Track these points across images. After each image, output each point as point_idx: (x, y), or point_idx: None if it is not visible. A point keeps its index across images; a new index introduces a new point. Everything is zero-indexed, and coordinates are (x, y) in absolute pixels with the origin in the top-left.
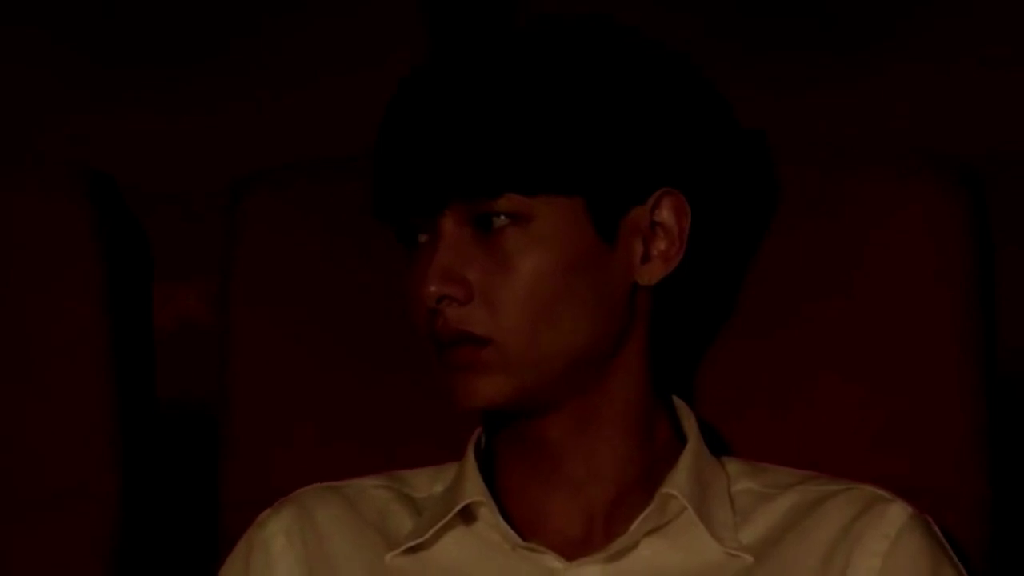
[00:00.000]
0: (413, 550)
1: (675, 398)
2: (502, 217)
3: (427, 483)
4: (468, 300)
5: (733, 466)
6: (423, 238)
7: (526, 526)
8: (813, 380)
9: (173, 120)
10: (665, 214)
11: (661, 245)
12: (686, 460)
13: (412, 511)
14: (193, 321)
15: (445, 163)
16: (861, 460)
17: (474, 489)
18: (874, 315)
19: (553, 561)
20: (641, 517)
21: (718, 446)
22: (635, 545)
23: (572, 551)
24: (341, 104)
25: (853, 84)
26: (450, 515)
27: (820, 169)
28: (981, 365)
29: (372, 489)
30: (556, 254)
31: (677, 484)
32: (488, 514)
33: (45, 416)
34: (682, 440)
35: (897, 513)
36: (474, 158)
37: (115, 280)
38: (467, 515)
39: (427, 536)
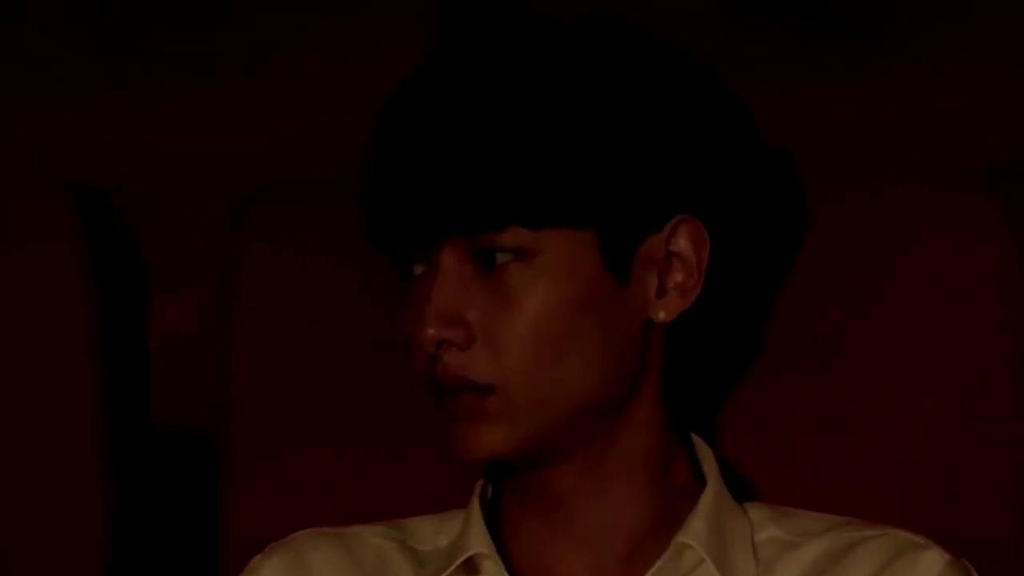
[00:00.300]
0: None
1: (695, 437)
2: (506, 252)
3: (431, 534)
4: (469, 344)
5: (757, 512)
6: (419, 270)
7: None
8: (849, 415)
9: (168, 131)
10: (682, 243)
11: (678, 277)
12: (704, 505)
13: (414, 563)
14: (185, 336)
15: (445, 194)
16: (904, 505)
17: (478, 541)
18: (915, 342)
19: None
20: (654, 568)
21: (742, 491)
22: None
23: None
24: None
25: (855, 88)
26: (452, 567)
27: (843, 185)
28: None
29: (372, 538)
30: (564, 291)
31: (694, 532)
32: (492, 568)
33: (31, 442)
34: (702, 483)
35: (933, 560)
36: (477, 189)
37: (106, 298)
38: (470, 568)
39: None
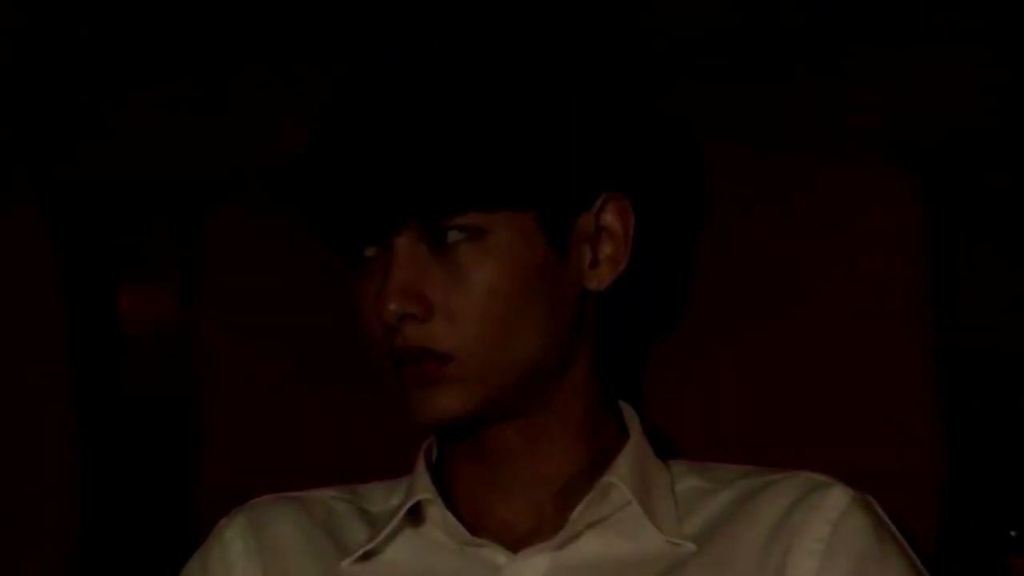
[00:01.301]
0: (366, 556)
1: (621, 402)
2: (456, 232)
3: (383, 497)
4: (428, 317)
5: (678, 467)
6: (370, 252)
7: (474, 523)
8: (769, 378)
9: (137, 127)
10: (610, 218)
11: (608, 249)
12: (627, 453)
13: (367, 523)
14: (170, 322)
15: (405, 183)
16: (818, 451)
17: (422, 489)
18: (829, 310)
19: (498, 555)
20: (583, 504)
21: (667, 451)
22: (579, 535)
23: (519, 545)
24: None
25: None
26: (399, 515)
27: (768, 161)
28: (933, 351)
29: (329, 500)
30: (512, 266)
31: (619, 474)
32: (436, 513)
33: (8, 421)
34: (626, 438)
35: (838, 496)
36: (435, 178)
37: (74, 288)
38: (417, 518)
39: (378, 541)
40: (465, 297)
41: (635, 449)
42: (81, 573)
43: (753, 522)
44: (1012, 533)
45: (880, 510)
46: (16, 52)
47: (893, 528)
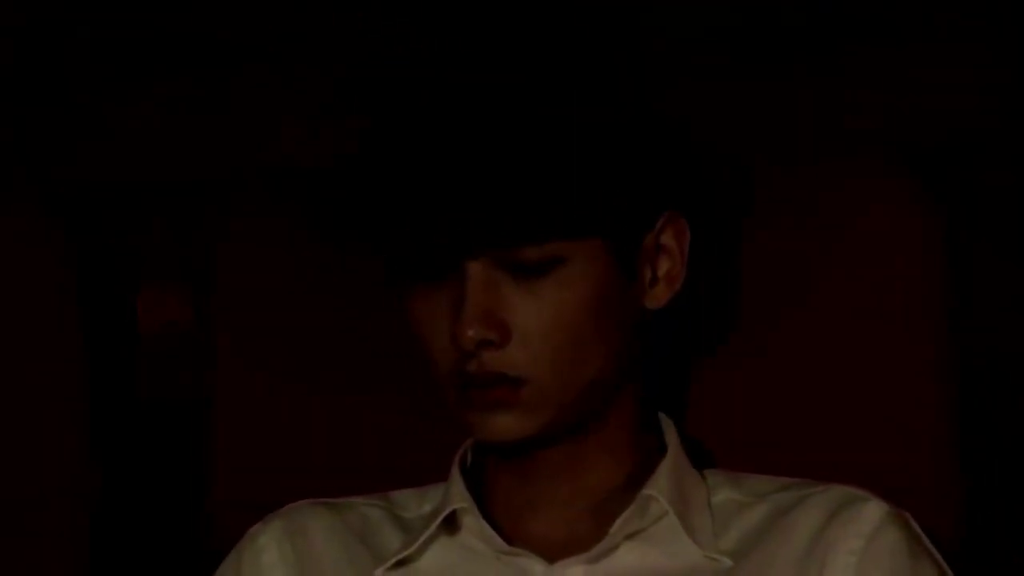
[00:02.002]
0: (401, 564)
1: (660, 414)
2: (533, 258)
3: (416, 503)
4: (506, 343)
5: (714, 478)
6: (437, 274)
7: (510, 533)
8: (778, 381)
9: (151, 117)
10: (668, 236)
11: (665, 266)
12: (665, 467)
13: (401, 529)
14: (175, 322)
15: (487, 214)
16: (844, 460)
17: (458, 498)
18: (831, 312)
19: (535, 564)
20: (622, 518)
21: (703, 460)
22: (616, 547)
23: (555, 556)
24: None
25: (813, 73)
26: (435, 523)
27: (773, 164)
28: (937, 350)
29: (363, 507)
30: (586, 292)
31: (658, 487)
32: (472, 521)
33: (23, 419)
34: (664, 452)
35: (873, 511)
36: (519, 209)
37: (90, 290)
38: (452, 526)
39: (414, 548)
40: (541, 323)
41: (673, 462)
42: (95, 574)
43: (788, 537)
44: None
45: (916, 526)
46: (16, 52)
47: (929, 544)
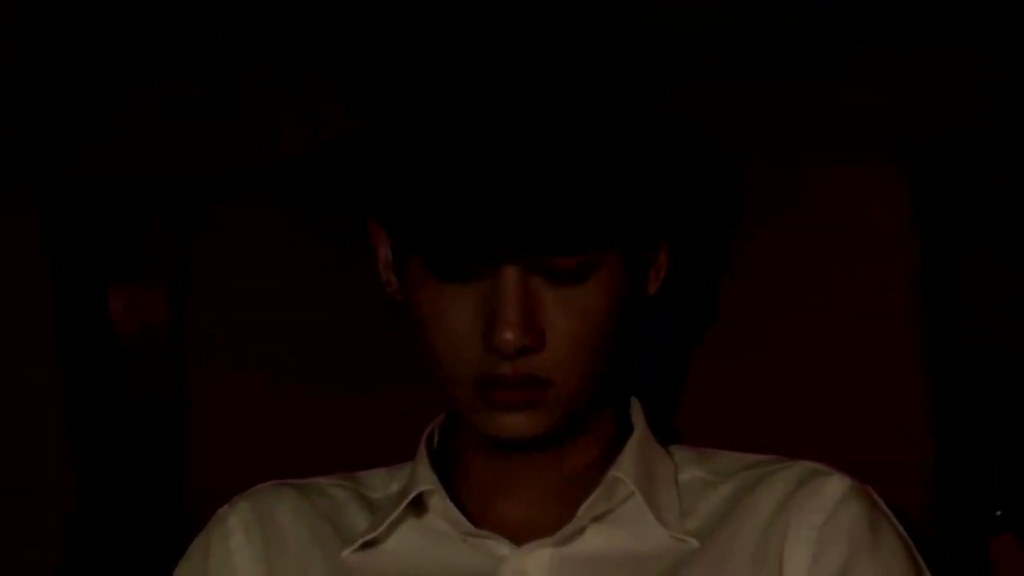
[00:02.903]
0: (367, 545)
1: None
2: (569, 266)
3: (383, 483)
4: (542, 348)
5: (680, 454)
6: (470, 274)
7: (478, 515)
8: (794, 386)
9: (151, 117)
10: (660, 230)
11: (659, 256)
12: (631, 447)
13: (368, 510)
14: (161, 322)
15: (537, 224)
16: (842, 459)
17: (425, 479)
18: (829, 310)
19: (502, 547)
20: (588, 501)
21: (671, 436)
22: (583, 530)
23: (523, 538)
24: None
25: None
26: (402, 507)
27: (772, 163)
28: (931, 349)
29: (329, 487)
30: (612, 297)
31: (624, 468)
32: (439, 503)
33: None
34: (631, 431)
35: (835, 486)
36: (567, 222)
37: (65, 288)
38: (419, 508)
39: (380, 531)
40: (572, 328)
41: (639, 441)
42: (74, 574)
43: (752, 514)
44: (997, 512)
45: (878, 499)
46: (16, 52)
47: (892, 517)
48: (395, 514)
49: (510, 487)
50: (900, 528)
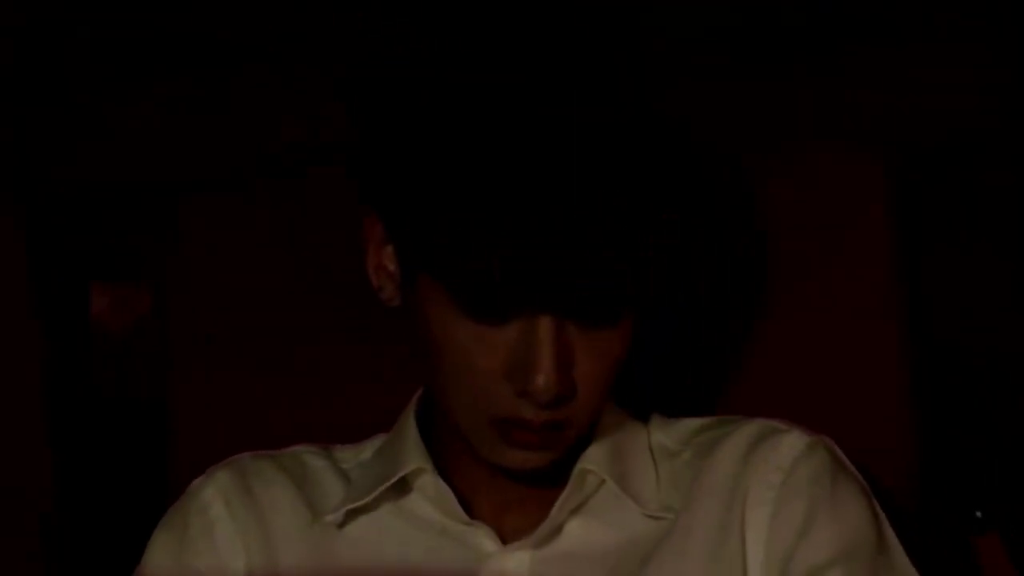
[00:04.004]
0: (344, 521)
1: None
2: (598, 320)
3: (352, 454)
4: (574, 396)
5: (654, 422)
6: (502, 318)
7: (462, 504)
8: (794, 385)
9: (151, 117)
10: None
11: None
12: (598, 433)
13: (343, 480)
14: (143, 320)
15: (585, 280)
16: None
17: (417, 456)
18: (826, 308)
19: (487, 542)
20: (561, 499)
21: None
22: (561, 527)
23: (507, 531)
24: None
25: (813, 73)
26: (391, 481)
27: (768, 159)
28: (925, 349)
29: (306, 456)
30: (628, 337)
31: (590, 458)
32: (428, 485)
33: None
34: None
35: (793, 442)
36: (612, 284)
37: (46, 288)
38: (402, 489)
39: (360, 504)
40: (595, 370)
41: (605, 425)
42: (55, 572)
43: (711, 481)
44: (977, 514)
45: (838, 450)
46: (16, 52)
47: (851, 468)
48: (380, 489)
49: (496, 479)
50: (859, 477)
